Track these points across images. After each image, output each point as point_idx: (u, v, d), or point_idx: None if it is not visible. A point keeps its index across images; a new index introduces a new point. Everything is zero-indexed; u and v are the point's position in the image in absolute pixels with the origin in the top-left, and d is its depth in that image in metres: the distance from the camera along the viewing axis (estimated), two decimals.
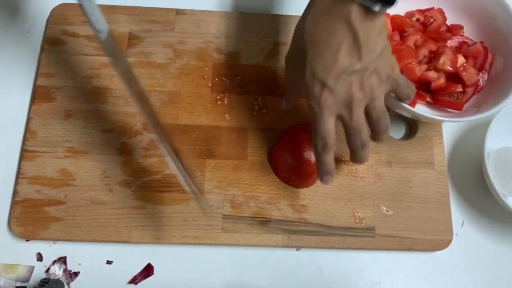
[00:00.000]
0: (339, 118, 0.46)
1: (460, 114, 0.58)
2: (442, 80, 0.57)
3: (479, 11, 0.61)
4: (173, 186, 0.56)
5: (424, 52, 0.58)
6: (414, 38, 0.59)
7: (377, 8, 0.41)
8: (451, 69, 0.57)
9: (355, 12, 0.41)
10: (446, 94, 0.58)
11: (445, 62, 0.57)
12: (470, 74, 0.58)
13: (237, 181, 0.57)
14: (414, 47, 0.59)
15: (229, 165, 0.58)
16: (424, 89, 0.59)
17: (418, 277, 0.57)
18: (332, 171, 0.49)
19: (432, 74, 0.57)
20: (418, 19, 0.62)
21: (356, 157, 0.49)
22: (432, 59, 0.58)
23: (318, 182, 0.56)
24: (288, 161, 0.56)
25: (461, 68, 0.58)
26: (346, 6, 0.41)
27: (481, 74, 0.59)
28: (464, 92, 0.59)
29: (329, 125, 0.46)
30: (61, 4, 0.64)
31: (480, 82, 0.59)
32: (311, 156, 0.55)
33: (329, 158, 0.48)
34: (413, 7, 0.63)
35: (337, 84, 0.44)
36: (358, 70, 0.44)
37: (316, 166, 0.49)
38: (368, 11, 0.41)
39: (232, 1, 0.67)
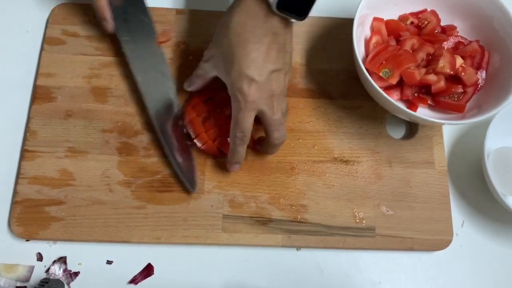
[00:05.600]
0: (261, 114, 0.51)
1: (460, 116, 0.58)
2: (442, 83, 0.57)
3: (471, 9, 0.60)
4: (173, 186, 0.56)
5: (422, 55, 0.58)
6: (411, 42, 0.59)
7: (293, 20, 0.49)
8: (451, 72, 0.57)
9: (277, 22, 0.49)
10: (447, 95, 0.58)
11: (444, 65, 0.56)
12: (469, 74, 0.58)
13: (237, 181, 0.57)
14: (411, 51, 0.58)
15: None
16: (425, 92, 0.59)
17: (418, 277, 0.57)
18: (241, 161, 0.54)
19: (431, 78, 0.57)
20: (412, 22, 0.62)
21: (272, 150, 0.55)
22: (430, 62, 0.58)
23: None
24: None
25: (460, 69, 0.58)
26: (270, 16, 0.48)
27: (479, 73, 0.59)
28: (464, 92, 0.58)
29: (251, 120, 0.50)
30: (61, 4, 0.64)
31: (479, 81, 0.59)
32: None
33: (243, 149, 0.53)
34: (406, 10, 0.62)
35: (263, 80, 0.49)
36: (279, 69, 0.50)
37: (228, 154, 0.54)
38: (287, 22, 0.50)
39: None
